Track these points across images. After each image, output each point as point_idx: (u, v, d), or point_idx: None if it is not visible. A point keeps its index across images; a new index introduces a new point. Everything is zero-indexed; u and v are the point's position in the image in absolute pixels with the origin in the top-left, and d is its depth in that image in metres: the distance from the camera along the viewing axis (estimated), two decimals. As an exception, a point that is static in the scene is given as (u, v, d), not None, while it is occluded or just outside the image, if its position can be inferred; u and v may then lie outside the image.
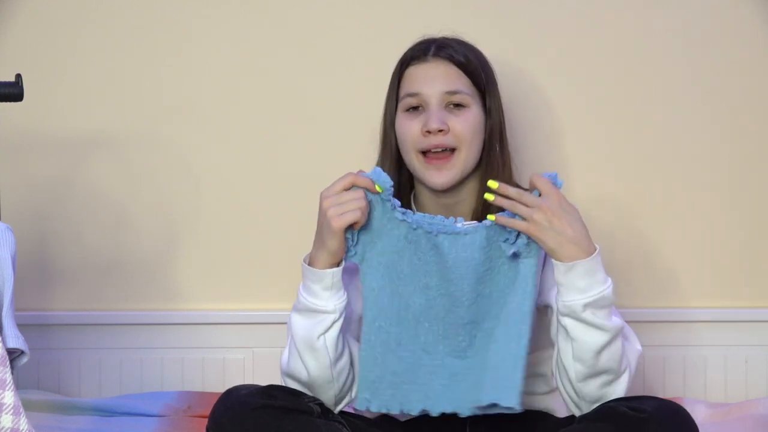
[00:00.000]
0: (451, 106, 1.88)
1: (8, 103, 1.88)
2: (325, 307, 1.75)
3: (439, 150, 1.86)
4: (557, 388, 1.81)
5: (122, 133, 2.38)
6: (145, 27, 2.38)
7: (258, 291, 2.40)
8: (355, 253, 1.76)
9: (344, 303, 1.76)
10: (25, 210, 2.35)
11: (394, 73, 1.94)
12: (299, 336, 1.76)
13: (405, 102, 1.90)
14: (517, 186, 1.91)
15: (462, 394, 1.73)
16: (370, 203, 1.75)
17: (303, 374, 1.77)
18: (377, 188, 1.75)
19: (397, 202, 1.77)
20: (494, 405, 1.71)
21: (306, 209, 2.36)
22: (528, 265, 1.74)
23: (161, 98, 2.38)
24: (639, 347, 1.81)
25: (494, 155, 1.91)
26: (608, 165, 2.38)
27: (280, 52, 2.38)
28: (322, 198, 1.74)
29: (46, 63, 2.37)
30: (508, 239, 1.74)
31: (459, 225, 1.77)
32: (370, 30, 2.37)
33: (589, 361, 1.73)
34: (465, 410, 1.73)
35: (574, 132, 2.38)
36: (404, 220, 1.76)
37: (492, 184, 1.74)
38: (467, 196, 1.91)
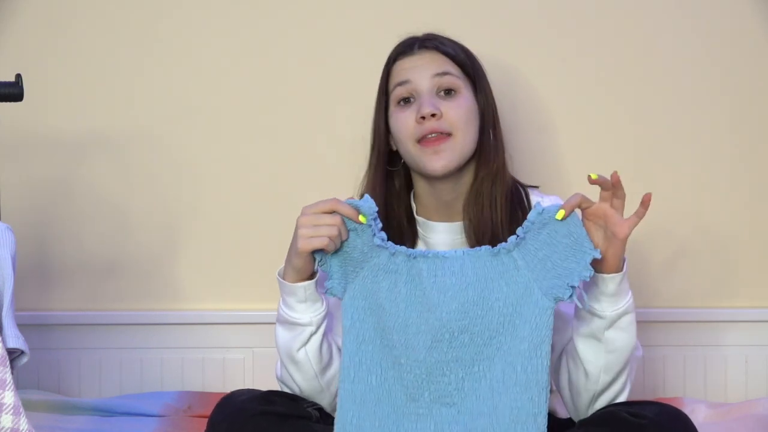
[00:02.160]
0: (442, 93, 1.86)
1: (8, 103, 1.88)
2: (300, 319, 1.73)
3: (434, 135, 1.82)
4: (561, 396, 1.80)
5: (122, 133, 2.38)
6: (145, 27, 2.38)
7: (258, 291, 2.40)
8: (336, 286, 1.69)
9: (322, 315, 1.73)
10: (25, 210, 2.35)
11: (382, 76, 1.93)
12: (281, 348, 1.76)
13: (395, 94, 1.88)
14: (516, 181, 1.91)
15: None
16: (352, 232, 1.68)
17: (293, 386, 1.77)
18: (361, 218, 1.67)
19: (381, 232, 1.69)
20: None
21: (306, 209, 2.36)
22: (553, 308, 1.63)
23: (161, 99, 2.39)
24: (641, 353, 1.81)
25: (487, 142, 1.88)
26: (605, 162, 2.37)
27: (279, 53, 2.38)
28: (301, 214, 1.70)
29: (46, 63, 2.37)
30: (564, 295, 1.62)
31: (441, 250, 1.70)
32: (373, 28, 2.37)
33: (612, 376, 1.72)
34: None
35: (571, 130, 2.38)
36: (383, 246, 1.68)
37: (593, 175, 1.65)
38: (466, 189, 1.89)
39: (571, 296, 1.63)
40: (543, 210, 1.65)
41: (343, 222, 1.68)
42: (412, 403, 1.65)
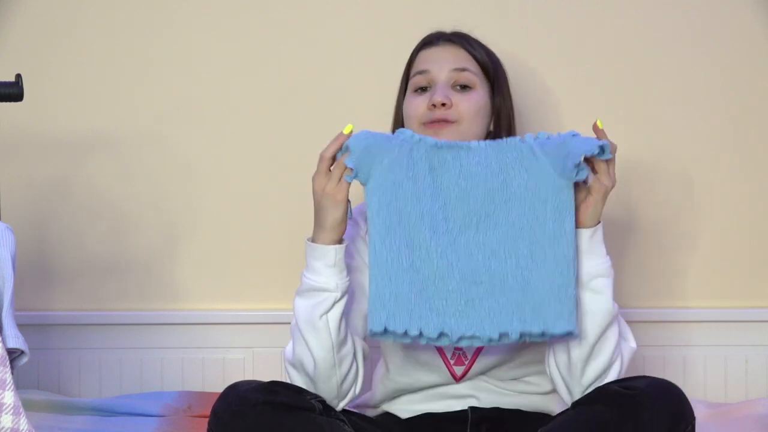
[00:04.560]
0: (458, 87, 1.90)
1: (8, 103, 1.88)
2: (327, 284, 1.75)
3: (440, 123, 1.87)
4: (553, 381, 1.81)
5: (122, 133, 2.38)
6: (146, 27, 2.38)
7: (258, 291, 2.40)
8: (360, 174, 1.72)
9: (346, 284, 1.76)
10: (25, 210, 2.35)
11: (406, 64, 1.98)
12: (302, 317, 1.76)
13: (414, 81, 1.93)
14: None
15: (481, 320, 1.71)
16: (366, 135, 1.73)
17: (308, 359, 1.76)
18: (345, 130, 1.74)
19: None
20: (543, 333, 1.69)
21: (306, 209, 2.36)
22: (570, 187, 1.71)
23: (161, 98, 2.39)
24: (634, 345, 1.82)
25: None
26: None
27: (279, 52, 2.38)
28: (314, 181, 1.74)
29: (46, 63, 2.37)
30: (579, 164, 1.69)
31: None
32: (373, 29, 2.37)
33: (592, 340, 1.74)
34: (487, 334, 1.70)
35: (580, 131, 2.38)
36: (405, 137, 1.74)
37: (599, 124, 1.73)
38: None
39: (578, 173, 1.69)
40: (576, 134, 1.72)
41: (341, 149, 1.74)
42: (441, 282, 1.72)
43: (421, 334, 1.70)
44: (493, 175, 1.74)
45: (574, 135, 1.71)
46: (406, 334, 1.70)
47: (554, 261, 1.70)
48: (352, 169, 1.72)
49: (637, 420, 1.64)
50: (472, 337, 1.71)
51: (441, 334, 1.71)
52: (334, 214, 1.73)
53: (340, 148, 1.74)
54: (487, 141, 1.76)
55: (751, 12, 2.36)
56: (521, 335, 1.70)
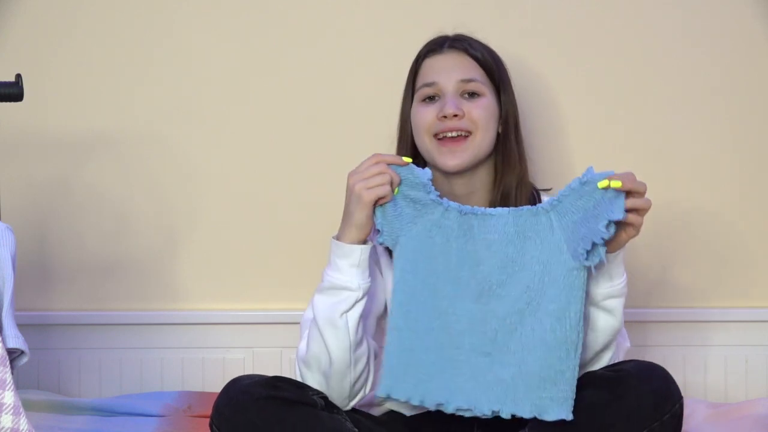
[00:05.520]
0: (466, 95, 1.91)
1: (8, 103, 1.88)
2: (349, 283, 1.76)
3: (455, 135, 1.89)
4: None
5: (122, 133, 2.38)
6: (146, 27, 2.38)
7: (258, 291, 2.40)
8: (387, 238, 1.75)
9: (368, 285, 1.77)
10: (25, 210, 2.35)
11: (410, 70, 1.98)
12: (321, 314, 1.77)
13: (421, 92, 1.93)
14: (533, 186, 1.95)
15: (478, 394, 1.69)
16: (403, 187, 1.75)
17: (324, 357, 1.77)
18: (405, 159, 1.75)
19: (435, 191, 1.76)
20: (535, 418, 1.66)
21: (306, 210, 2.37)
22: (583, 272, 1.68)
23: (161, 99, 2.38)
24: (628, 344, 1.86)
25: (510, 146, 1.93)
26: (612, 164, 2.37)
27: (280, 53, 2.38)
28: (349, 176, 1.75)
29: (46, 63, 2.37)
30: (589, 252, 1.65)
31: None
32: (373, 30, 2.37)
33: (591, 354, 1.76)
34: (481, 409, 1.69)
35: (582, 132, 2.38)
36: (437, 202, 1.75)
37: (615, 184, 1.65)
38: (480, 187, 1.93)
39: (588, 258, 1.66)
40: (587, 181, 1.67)
41: (395, 171, 1.75)
42: (454, 351, 1.72)
43: (422, 403, 1.72)
44: (510, 243, 1.72)
45: (584, 183, 1.66)
46: (407, 401, 1.73)
47: (555, 344, 1.67)
48: (389, 180, 1.72)
49: (623, 401, 1.66)
50: (467, 410, 1.71)
51: (439, 404, 1.72)
52: (358, 214, 1.74)
53: (393, 166, 1.74)
54: (509, 208, 1.74)
55: (751, 12, 2.36)
56: (512, 416, 1.68)
